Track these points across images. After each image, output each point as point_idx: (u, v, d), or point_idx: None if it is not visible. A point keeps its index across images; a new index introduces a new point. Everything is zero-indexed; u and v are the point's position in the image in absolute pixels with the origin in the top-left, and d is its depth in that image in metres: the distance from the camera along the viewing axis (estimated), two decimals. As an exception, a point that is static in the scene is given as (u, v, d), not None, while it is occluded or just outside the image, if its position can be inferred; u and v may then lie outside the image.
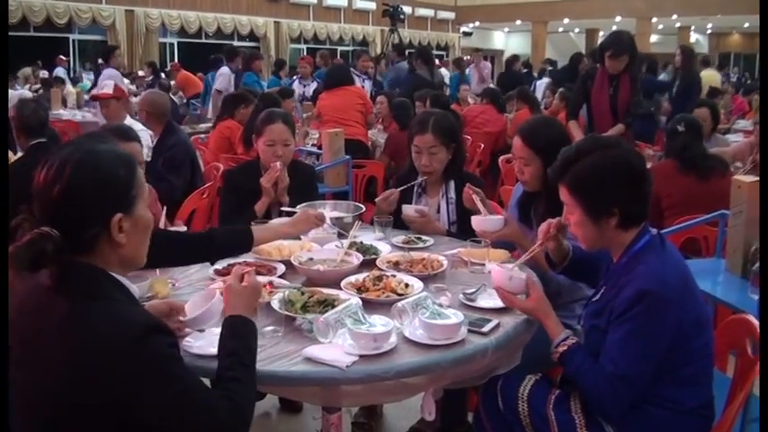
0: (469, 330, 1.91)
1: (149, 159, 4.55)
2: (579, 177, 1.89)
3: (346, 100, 6.34)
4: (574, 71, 8.99)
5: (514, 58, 12.25)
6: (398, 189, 3.06)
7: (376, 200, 3.08)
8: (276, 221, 2.83)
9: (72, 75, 15.35)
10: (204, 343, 1.81)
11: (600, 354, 1.84)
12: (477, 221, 2.61)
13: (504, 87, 9.49)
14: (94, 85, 11.34)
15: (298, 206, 2.98)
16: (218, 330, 1.70)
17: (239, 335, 1.64)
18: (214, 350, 1.66)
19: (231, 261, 2.53)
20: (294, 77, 9.60)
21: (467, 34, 28.47)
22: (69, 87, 11.17)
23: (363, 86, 8.31)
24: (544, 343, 1.99)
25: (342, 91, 6.39)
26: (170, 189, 4.29)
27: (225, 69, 9.64)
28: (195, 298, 1.91)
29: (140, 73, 14.30)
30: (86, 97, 10.56)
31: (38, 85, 10.77)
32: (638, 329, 1.75)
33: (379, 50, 18.98)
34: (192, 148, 4.75)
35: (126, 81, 12.88)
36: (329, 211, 2.94)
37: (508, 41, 31.77)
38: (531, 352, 2.12)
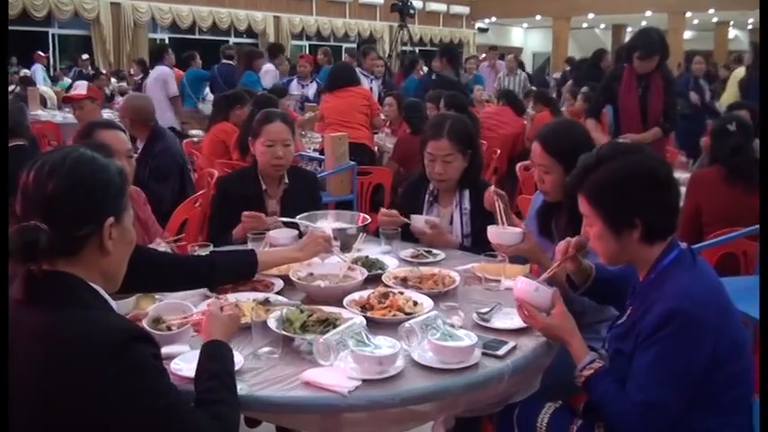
0: (483, 353, 1.91)
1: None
2: (598, 186, 1.89)
3: (350, 101, 6.38)
4: (596, 68, 8.96)
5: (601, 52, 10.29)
6: (400, 214, 3.04)
7: (380, 211, 3.09)
8: (275, 234, 2.84)
9: (52, 73, 15.41)
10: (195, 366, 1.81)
11: (625, 380, 1.83)
12: (493, 233, 2.61)
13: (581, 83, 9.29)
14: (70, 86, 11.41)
15: (298, 216, 3.00)
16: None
17: (220, 358, 1.69)
18: None
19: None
20: (292, 77, 9.60)
21: (482, 30, 28.56)
22: (43, 87, 11.19)
23: (371, 87, 8.30)
24: (565, 367, 1.98)
25: (345, 92, 6.43)
26: (156, 200, 4.27)
27: (270, 66, 9.57)
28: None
29: (131, 71, 14.36)
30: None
31: (13, 85, 10.83)
32: (668, 352, 1.74)
33: (387, 48, 19.05)
34: (181, 155, 4.74)
35: (113, 81, 13.00)
36: (331, 221, 2.95)
37: (527, 38, 31.85)
38: (552, 377, 2.11)
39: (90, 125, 3.04)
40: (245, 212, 2.96)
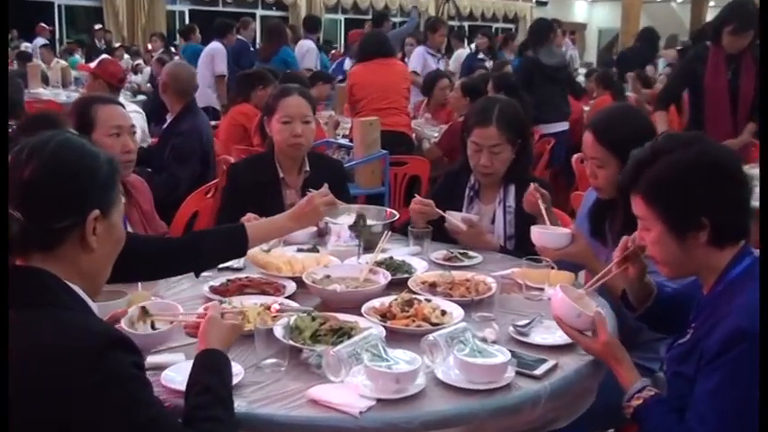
0: (518, 372, 1.88)
1: (146, 146, 4.64)
2: (656, 182, 1.83)
3: (386, 78, 6.15)
4: (651, 48, 8.74)
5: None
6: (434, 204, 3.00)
7: (411, 202, 3.05)
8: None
9: (57, 47, 15.58)
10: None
11: (685, 409, 1.77)
12: (537, 234, 2.58)
13: (624, 66, 9.19)
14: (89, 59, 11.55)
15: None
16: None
17: (216, 369, 1.67)
18: None
19: (231, 277, 2.55)
20: (342, 58, 9.38)
21: (541, 4, 28.31)
22: (38, 61, 11.33)
23: (438, 68, 8.07)
24: (616, 389, 1.94)
25: (379, 65, 6.17)
26: (173, 182, 4.39)
27: (310, 43, 9.29)
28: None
29: (149, 46, 14.52)
30: (74, 74, 10.80)
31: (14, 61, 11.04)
32: (736, 378, 1.68)
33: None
34: (209, 138, 4.86)
35: (126, 56, 13.17)
36: (354, 217, 2.94)
37: (592, 13, 31.45)
38: (601, 399, 2.08)
39: (87, 100, 3.07)
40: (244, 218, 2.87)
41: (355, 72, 6.37)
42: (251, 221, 2.59)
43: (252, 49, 9.64)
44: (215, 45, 8.84)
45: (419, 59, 8.43)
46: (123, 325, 1.88)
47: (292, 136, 3.21)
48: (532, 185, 2.81)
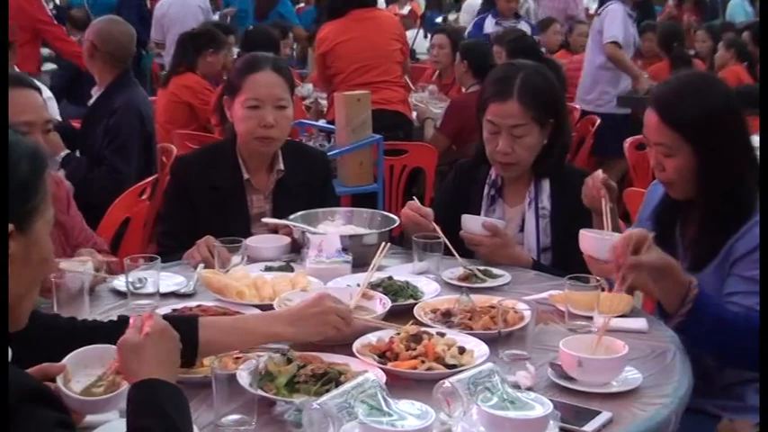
0: (562, 429, 1.89)
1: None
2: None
3: (369, 37, 5.99)
4: None
5: None
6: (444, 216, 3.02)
7: (405, 206, 3.04)
8: (257, 242, 2.82)
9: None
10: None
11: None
12: (590, 240, 2.59)
13: None
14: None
15: (291, 217, 2.98)
16: None
17: (155, 406, 1.65)
18: None
19: (178, 305, 2.56)
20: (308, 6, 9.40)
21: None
22: None
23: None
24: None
25: (356, 21, 5.97)
26: (115, 178, 4.36)
27: (615, 5, 8.78)
28: None
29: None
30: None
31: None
32: None
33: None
34: (150, 119, 4.86)
35: None
36: (339, 225, 2.93)
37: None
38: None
39: None
40: (201, 241, 2.86)
41: (326, 35, 6.11)
42: (209, 257, 2.64)
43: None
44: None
45: None
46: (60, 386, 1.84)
47: (261, 126, 3.11)
48: (599, 174, 2.80)
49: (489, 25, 8.45)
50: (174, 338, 1.83)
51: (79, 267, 2.52)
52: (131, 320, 1.87)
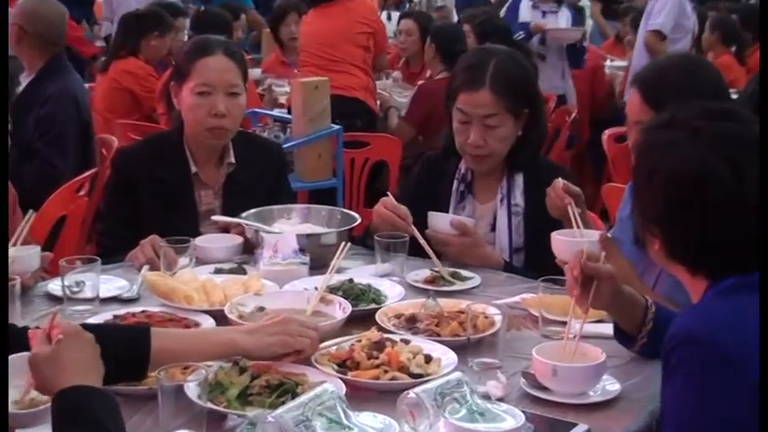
0: (537, 443, 1.90)
1: None
2: None
3: (338, 24, 6.26)
4: None
5: None
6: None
7: (378, 203, 3.05)
8: (206, 241, 2.82)
9: None
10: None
11: None
12: (561, 242, 2.61)
13: None
14: None
15: (243, 215, 2.98)
16: None
17: (87, 417, 1.64)
18: None
19: (120, 311, 2.54)
20: None
21: None
22: None
23: (565, 23, 7.70)
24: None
25: (332, 8, 6.28)
26: (50, 174, 4.33)
27: None
28: None
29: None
30: None
31: None
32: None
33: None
34: (87, 107, 4.84)
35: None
36: (296, 223, 2.93)
37: None
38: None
39: None
40: (146, 241, 2.88)
41: (307, 21, 6.58)
42: (154, 258, 2.65)
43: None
44: None
45: None
46: None
47: (211, 115, 3.11)
48: (559, 182, 2.81)
49: (525, 9, 7.80)
50: (91, 341, 1.81)
51: (30, 250, 2.55)
52: (30, 334, 1.85)
